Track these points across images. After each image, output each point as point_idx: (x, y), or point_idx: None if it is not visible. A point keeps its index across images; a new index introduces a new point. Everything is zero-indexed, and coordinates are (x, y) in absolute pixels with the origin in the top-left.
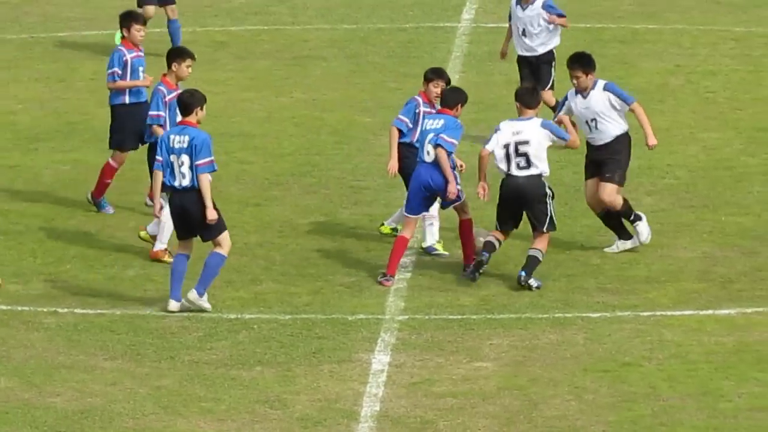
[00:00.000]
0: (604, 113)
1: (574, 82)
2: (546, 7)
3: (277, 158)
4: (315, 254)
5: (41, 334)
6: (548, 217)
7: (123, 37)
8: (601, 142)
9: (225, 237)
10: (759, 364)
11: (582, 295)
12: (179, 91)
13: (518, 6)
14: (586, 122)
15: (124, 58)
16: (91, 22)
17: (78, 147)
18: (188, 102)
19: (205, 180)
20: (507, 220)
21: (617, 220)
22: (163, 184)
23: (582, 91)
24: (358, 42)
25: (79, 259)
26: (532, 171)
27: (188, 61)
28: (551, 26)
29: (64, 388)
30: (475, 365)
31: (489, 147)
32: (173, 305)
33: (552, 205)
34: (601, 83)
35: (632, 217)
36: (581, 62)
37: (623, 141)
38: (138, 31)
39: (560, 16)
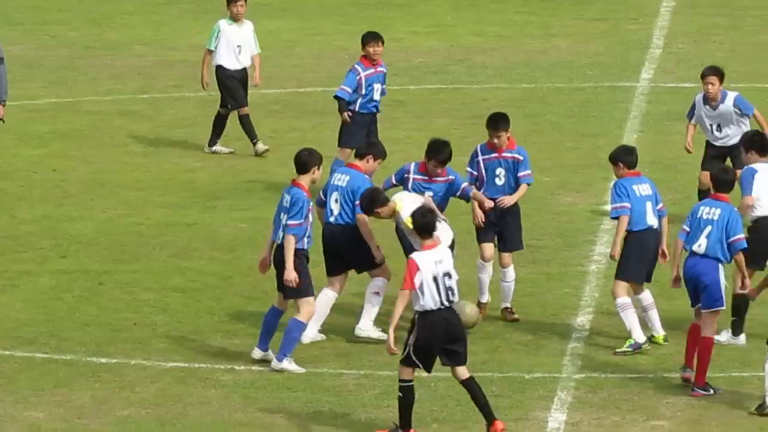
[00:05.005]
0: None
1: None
2: (738, 104)
3: (454, 217)
4: (492, 312)
5: (218, 391)
6: None
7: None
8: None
9: (306, 302)
10: None
11: (759, 354)
12: None
13: (706, 106)
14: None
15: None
16: (269, 81)
17: (256, 205)
18: (305, 161)
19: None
20: None
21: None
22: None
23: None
24: (536, 101)
25: (257, 317)
26: None
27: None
28: (744, 121)
29: None
30: (652, 423)
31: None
32: (256, 353)
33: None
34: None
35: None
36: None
37: None
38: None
39: (746, 114)
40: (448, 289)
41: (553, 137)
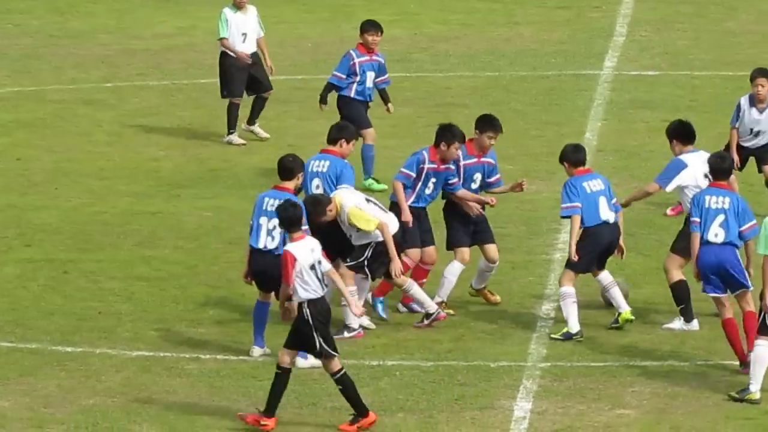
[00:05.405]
0: None
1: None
2: None
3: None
4: (457, 301)
5: (183, 380)
6: None
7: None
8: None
9: None
10: None
11: (724, 344)
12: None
13: (752, 108)
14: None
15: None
16: None
17: (220, 194)
18: (291, 167)
19: None
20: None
21: None
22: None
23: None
24: (500, 89)
25: (222, 306)
26: None
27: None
28: None
29: None
30: (617, 413)
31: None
32: (256, 351)
33: None
34: None
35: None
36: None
37: None
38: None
39: None
40: (324, 274)
41: (517, 125)
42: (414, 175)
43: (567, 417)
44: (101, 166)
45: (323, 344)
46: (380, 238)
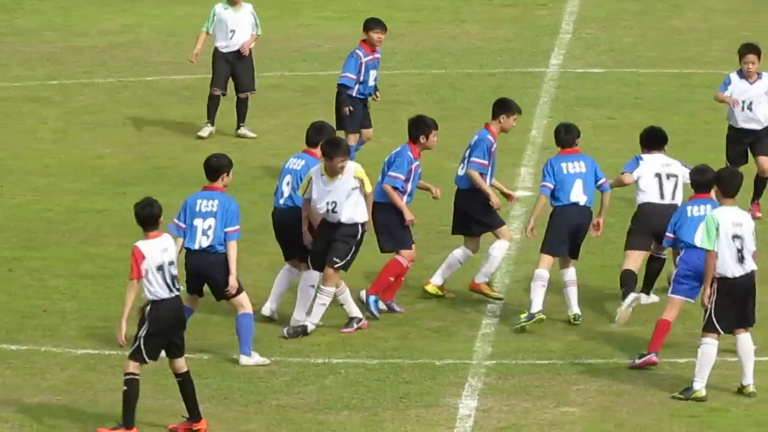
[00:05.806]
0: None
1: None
2: None
3: None
4: (402, 299)
5: None
6: None
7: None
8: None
9: (242, 296)
10: None
11: (669, 340)
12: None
13: (742, 80)
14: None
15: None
16: (179, 67)
17: (166, 191)
18: (216, 166)
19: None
20: None
21: None
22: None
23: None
24: (446, 87)
25: None
26: None
27: (515, 116)
28: None
29: None
30: (562, 410)
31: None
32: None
33: None
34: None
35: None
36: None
37: None
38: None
39: None
40: (174, 277)
41: (463, 123)
42: (405, 177)
43: (512, 415)
44: (46, 164)
45: (142, 344)
46: (365, 219)
